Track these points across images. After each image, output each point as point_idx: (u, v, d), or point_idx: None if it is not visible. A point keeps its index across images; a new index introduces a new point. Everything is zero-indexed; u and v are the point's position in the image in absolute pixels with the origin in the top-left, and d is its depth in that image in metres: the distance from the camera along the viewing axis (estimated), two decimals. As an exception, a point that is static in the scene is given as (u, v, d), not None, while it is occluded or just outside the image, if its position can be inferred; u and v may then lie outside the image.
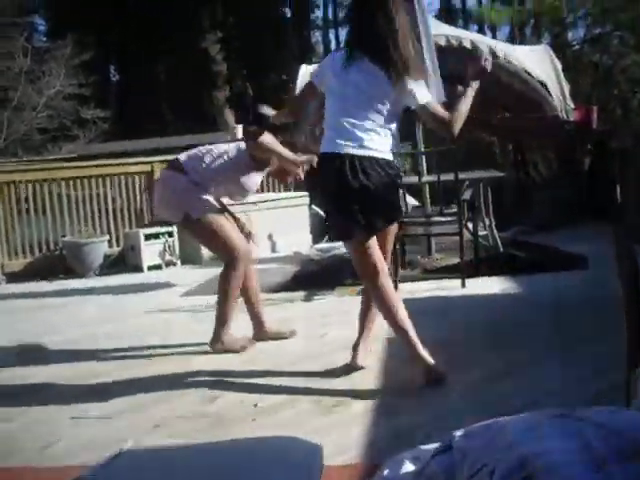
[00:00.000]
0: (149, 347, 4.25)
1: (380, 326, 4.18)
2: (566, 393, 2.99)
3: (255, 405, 3.12)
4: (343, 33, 29.88)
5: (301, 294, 5.47)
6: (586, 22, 22.45)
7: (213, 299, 5.45)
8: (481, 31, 21.30)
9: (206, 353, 3.99)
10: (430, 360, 3.26)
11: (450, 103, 3.39)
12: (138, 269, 7.41)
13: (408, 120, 7.80)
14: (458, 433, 1.45)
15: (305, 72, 9.08)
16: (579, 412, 1.32)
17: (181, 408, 3.16)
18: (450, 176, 5.29)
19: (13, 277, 7.34)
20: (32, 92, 19.08)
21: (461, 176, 5.36)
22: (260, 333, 4.21)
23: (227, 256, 3.98)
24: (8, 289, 6.96)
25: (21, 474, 2.61)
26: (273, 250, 7.97)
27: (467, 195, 5.78)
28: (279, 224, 7.96)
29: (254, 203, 7.86)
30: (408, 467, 1.64)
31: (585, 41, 22.79)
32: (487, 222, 6.42)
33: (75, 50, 19.27)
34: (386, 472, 1.67)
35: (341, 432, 2.75)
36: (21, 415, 3.25)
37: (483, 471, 1.26)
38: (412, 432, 2.71)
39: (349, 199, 3.17)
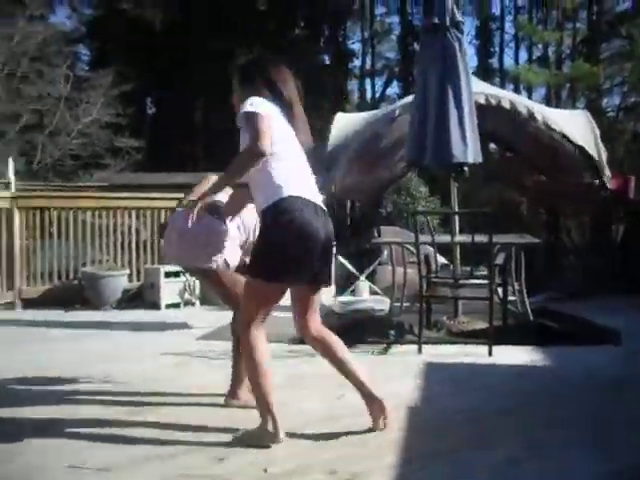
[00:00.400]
0: (159, 394, 4.07)
1: (398, 394, 4.01)
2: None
3: (265, 470, 2.92)
4: (380, 82, 30.19)
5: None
6: (622, 89, 22.48)
7: (228, 345, 5.32)
8: (517, 91, 21.30)
9: (218, 406, 3.80)
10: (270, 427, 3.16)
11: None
12: (156, 306, 7.28)
13: (443, 178, 7.73)
14: None
15: (340, 121, 9.04)
16: None
17: (186, 466, 2.97)
18: (483, 238, 5.12)
19: (29, 303, 7.24)
20: (69, 119, 19.30)
21: (496, 239, 5.18)
22: (233, 394, 3.85)
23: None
24: (23, 315, 6.85)
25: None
26: (294, 298, 7.78)
27: (500, 259, 5.60)
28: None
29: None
30: None
31: (620, 109, 22.78)
32: (517, 287, 6.21)
33: (115, 80, 19.51)
34: None
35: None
36: (15, 458, 3.07)
37: None
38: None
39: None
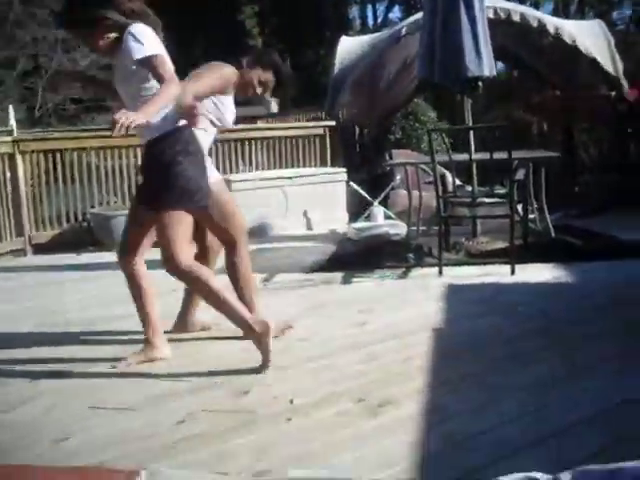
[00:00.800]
0: (173, 331, 3.97)
1: (421, 317, 3.92)
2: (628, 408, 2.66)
3: (291, 401, 2.82)
4: (381, 9, 29.40)
5: (338, 276, 5.15)
6: (632, 1, 21.76)
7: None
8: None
9: (239, 339, 3.70)
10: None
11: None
12: (169, 244, 7.14)
13: (452, 97, 7.48)
14: (564, 478, 1.13)
15: (345, 43, 8.74)
16: None
17: (209, 401, 2.88)
18: (502, 154, 4.93)
19: (40, 249, 7.12)
20: (67, 62, 18.91)
21: (515, 155, 4.99)
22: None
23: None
24: (35, 261, 6.75)
25: (26, 474, 2.34)
26: (308, 227, 7.67)
27: (519, 175, 5.41)
28: (315, 200, 7.63)
29: (289, 178, 7.56)
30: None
31: (632, 21, 22.09)
32: (536, 205, 6.04)
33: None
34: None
35: (388, 439, 2.44)
36: (34, 401, 2.99)
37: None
38: (467, 441, 2.40)
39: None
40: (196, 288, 3.38)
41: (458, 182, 6.86)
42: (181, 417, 2.72)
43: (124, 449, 2.47)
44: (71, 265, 6.29)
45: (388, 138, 10.02)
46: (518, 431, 2.47)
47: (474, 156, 5.39)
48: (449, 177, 6.59)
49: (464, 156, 5.50)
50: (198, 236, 3.68)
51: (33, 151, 7.23)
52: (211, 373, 3.21)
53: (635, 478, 1.01)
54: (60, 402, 2.97)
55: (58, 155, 7.38)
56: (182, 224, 3.20)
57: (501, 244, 5.52)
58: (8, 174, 7.03)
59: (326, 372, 3.15)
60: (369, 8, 29.48)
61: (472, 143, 5.50)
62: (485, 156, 5.24)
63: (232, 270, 3.78)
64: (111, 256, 6.61)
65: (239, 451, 2.39)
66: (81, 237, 7.28)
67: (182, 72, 3.26)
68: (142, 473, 1.19)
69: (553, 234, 5.79)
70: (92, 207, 7.51)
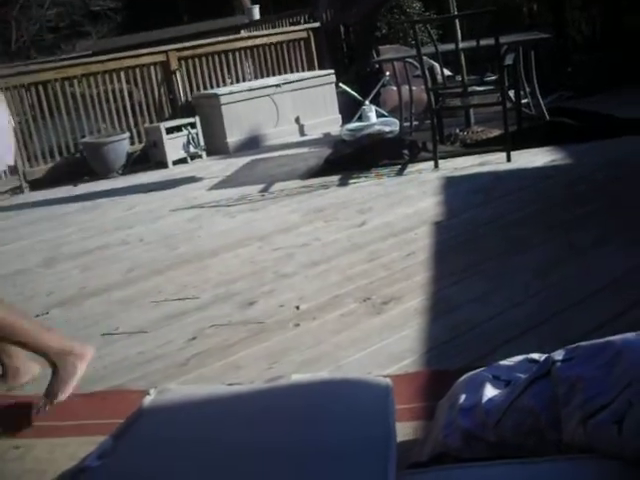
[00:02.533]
0: (178, 250, 3.99)
1: (420, 212, 3.92)
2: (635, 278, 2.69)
3: (297, 308, 2.86)
4: None
5: (335, 179, 5.14)
6: None
7: (240, 191, 5.23)
8: None
9: (240, 255, 3.72)
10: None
11: None
12: (163, 165, 7.10)
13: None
14: (557, 356, 1.15)
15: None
16: None
17: (217, 316, 2.92)
18: (489, 41, 4.81)
19: (36, 184, 7.08)
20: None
21: (502, 40, 4.87)
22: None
23: None
24: (33, 197, 6.73)
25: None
26: (301, 133, 7.60)
27: (509, 60, 5.30)
28: (305, 105, 7.54)
29: (277, 85, 7.44)
30: (489, 391, 1.36)
31: None
32: (529, 89, 5.94)
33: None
34: (462, 398, 1.39)
35: (394, 334, 2.49)
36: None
37: (603, 414, 0.96)
38: (473, 329, 2.44)
39: None
40: None
41: (448, 73, 6.72)
42: (191, 335, 2.76)
43: (138, 371, 2.52)
44: (69, 197, 6.29)
45: (374, 35, 9.78)
46: (523, 314, 2.51)
47: (461, 44, 5.27)
48: (438, 69, 6.47)
49: (451, 46, 5.38)
50: None
51: (15, 86, 7.10)
52: (216, 289, 3.24)
53: (621, 350, 1.03)
54: (73, 333, 3.01)
55: (41, 88, 7.25)
56: None
57: (496, 132, 5.47)
58: (-7, 112, 6.92)
59: (329, 275, 3.18)
60: None
61: (458, 31, 5.37)
62: (472, 44, 5.12)
63: None
64: (107, 184, 6.66)
65: (250, 361, 2.45)
66: (75, 168, 7.22)
67: None
68: (151, 391, 1.21)
69: (548, 117, 5.72)
70: (83, 137, 7.42)
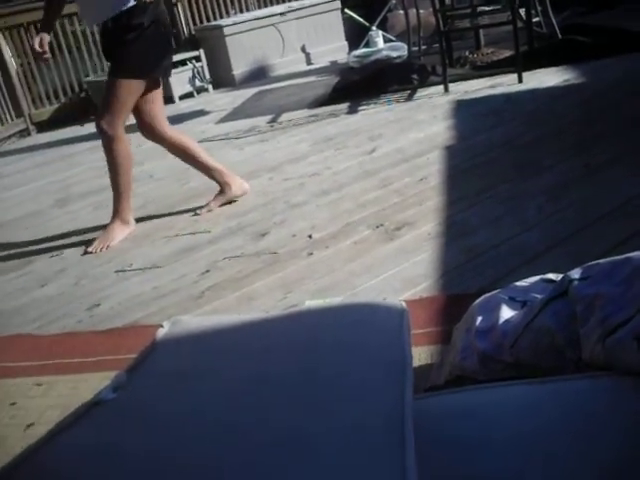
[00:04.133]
0: (187, 184, 3.97)
1: (431, 137, 3.86)
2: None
3: (310, 237, 2.85)
4: None
5: (344, 106, 5.06)
6: None
7: (249, 123, 5.16)
8: None
9: (250, 184, 3.69)
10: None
11: None
12: (169, 100, 6.99)
13: None
14: (574, 275, 1.12)
15: None
16: None
17: (230, 248, 2.91)
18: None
19: (43, 126, 7.04)
20: None
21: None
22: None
23: None
24: (40, 139, 6.70)
25: (67, 340, 2.43)
26: (308, 62, 7.47)
27: (518, -24, 5.13)
28: (311, 34, 7.39)
29: (281, 14, 7.28)
30: (505, 312, 1.35)
31: None
32: (540, 7, 5.77)
33: None
34: (479, 321, 1.38)
35: (408, 259, 2.47)
36: (64, 273, 3.05)
37: (623, 331, 0.94)
38: (487, 252, 2.42)
39: None
40: (116, 166, 3.35)
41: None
42: (205, 268, 2.77)
43: (153, 306, 2.54)
44: (77, 137, 6.24)
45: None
46: (538, 237, 2.49)
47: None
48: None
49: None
50: None
51: (13, 26, 6.98)
52: (228, 222, 3.23)
53: (639, 266, 1.01)
54: (88, 271, 3.03)
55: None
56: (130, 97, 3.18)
57: (507, 52, 5.34)
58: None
59: (341, 203, 3.15)
60: None
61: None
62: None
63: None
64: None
65: (264, 291, 2.45)
66: (81, 107, 7.16)
67: None
68: (164, 323, 1.21)
69: (560, 35, 5.57)
70: (87, 76, 7.33)
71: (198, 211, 3.44)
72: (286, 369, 0.84)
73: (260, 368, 0.87)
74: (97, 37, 7.26)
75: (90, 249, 3.23)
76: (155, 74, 3.21)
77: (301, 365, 0.84)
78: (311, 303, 1.63)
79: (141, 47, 3.07)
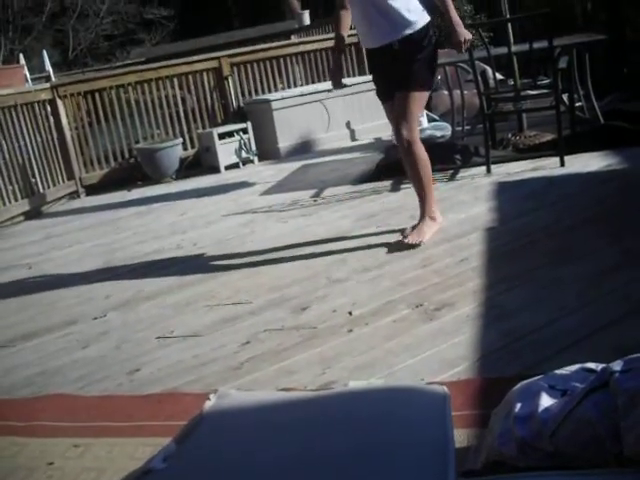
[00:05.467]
0: (231, 255, 4.04)
1: (472, 219, 3.89)
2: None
3: (350, 313, 2.88)
4: None
5: (387, 184, 5.14)
6: None
7: (292, 196, 5.26)
8: None
9: (293, 258, 3.76)
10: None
11: None
12: (215, 170, 7.20)
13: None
14: (616, 367, 1.14)
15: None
16: None
17: (271, 321, 2.95)
18: (542, 43, 4.76)
19: (91, 189, 7.26)
20: (93, -1, 18.77)
21: (556, 42, 4.81)
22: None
23: None
24: (89, 202, 6.89)
25: (106, 402, 2.46)
26: (352, 139, 7.62)
27: (562, 63, 5.23)
28: (356, 110, 7.56)
29: (328, 90, 7.46)
30: (545, 400, 1.36)
31: None
32: (583, 92, 5.85)
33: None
34: (518, 407, 1.39)
35: (447, 340, 2.48)
36: (106, 336, 3.12)
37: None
38: (526, 337, 2.42)
39: None
40: (418, 166, 3.66)
41: (500, 77, 6.68)
42: (245, 339, 2.80)
43: (193, 374, 2.57)
44: (123, 202, 6.42)
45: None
46: (577, 323, 2.48)
47: (513, 48, 5.22)
48: (490, 72, 6.42)
49: (503, 49, 5.33)
50: None
51: (72, 94, 7.28)
52: (270, 294, 3.28)
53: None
54: (129, 335, 3.09)
55: (97, 95, 7.42)
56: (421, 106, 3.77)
57: (549, 136, 5.40)
58: (52, 120, 7.11)
59: (382, 281, 3.18)
60: None
61: (510, 35, 5.33)
62: (524, 47, 5.07)
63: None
64: (160, 189, 6.78)
65: (303, 366, 2.47)
66: (130, 173, 7.39)
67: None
68: (211, 396, 1.24)
69: (602, 120, 5.63)
70: (137, 142, 7.57)
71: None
72: (333, 447, 0.87)
73: (307, 445, 0.90)
74: (149, 106, 7.55)
75: (406, 241, 3.59)
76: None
77: (346, 446, 0.86)
78: (355, 384, 1.65)
79: (428, 64, 3.60)
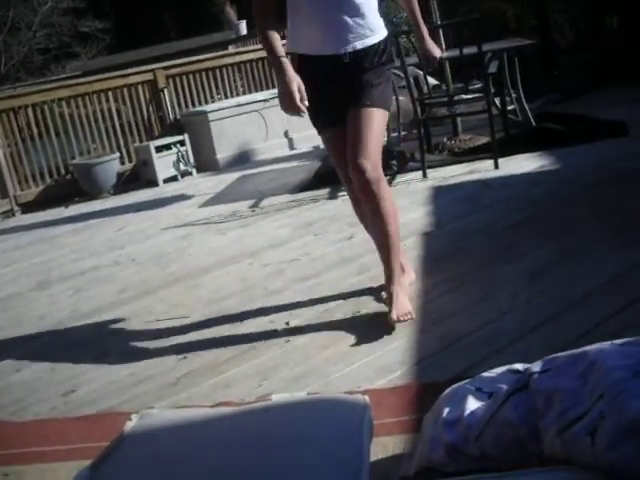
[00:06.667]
0: (168, 270, 3.99)
1: (409, 224, 3.91)
2: (628, 278, 2.70)
3: (287, 324, 2.87)
4: None
5: (325, 192, 5.15)
6: None
7: (231, 207, 5.23)
8: None
9: (231, 271, 3.73)
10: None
11: None
12: (153, 183, 7.12)
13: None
14: (535, 368, 1.16)
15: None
16: None
17: (207, 335, 2.92)
18: (473, 49, 4.84)
19: (27, 207, 7.09)
20: (26, 11, 18.40)
21: (486, 47, 4.90)
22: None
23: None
24: (24, 220, 6.74)
25: (39, 427, 2.40)
26: (291, 147, 7.62)
27: (493, 68, 5.32)
28: (294, 119, 7.51)
29: (265, 100, 7.46)
30: (472, 404, 1.36)
31: None
32: (515, 95, 5.96)
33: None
34: (446, 412, 1.40)
35: (384, 347, 2.49)
36: (41, 358, 3.04)
37: (578, 426, 0.97)
38: (462, 339, 2.44)
39: None
40: (387, 215, 2.70)
41: (435, 82, 6.76)
42: (182, 354, 2.76)
43: (129, 393, 2.52)
44: (60, 219, 6.29)
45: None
46: (512, 323, 2.51)
47: (445, 54, 5.29)
48: (422, 78, 6.49)
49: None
50: None
51: (4, 110, 7.12)
52: (207, 308, 3.24)
53: (595, 360, 1.04)
54: (65, 356, 3.01)
55: (30, 110, 7.26)
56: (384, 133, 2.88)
57: (483, 139, 5.49)
58: (-18, 137, 6.94)
59: (319, 290, 3.18)
60: None
61: (442, 41, 5.41)
62: (455, 52, 5.15)
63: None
64: (98, 204, 6.67)
65: (240, 379, 2.45)
66: (66, 190, 7.24)
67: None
68: (133, 416, 1.22)
69: (534, 123, 5.74)
70: (73, 158, 7.44)
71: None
72: (243, 463, 0.85)
73: (219, 461, 0.89)
74: (84, 120, 7.43)
75: (396, 322, 2.61)
76: None
77: (258, 461, 0.85)
78: (277, 397, 1.64)
79: (390, 80, 2.83)
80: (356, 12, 2.64)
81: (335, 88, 2.72)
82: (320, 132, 2.93)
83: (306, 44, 2.72)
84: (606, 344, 1.12)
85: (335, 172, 2.94)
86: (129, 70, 7.94)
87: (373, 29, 2.69)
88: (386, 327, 2.61)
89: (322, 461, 0.84)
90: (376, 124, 2.68)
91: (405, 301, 2.69)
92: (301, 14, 2.67)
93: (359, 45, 2.67)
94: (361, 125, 2.65)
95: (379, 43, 2.71)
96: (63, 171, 7.43)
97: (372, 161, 2.62)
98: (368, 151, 2.62)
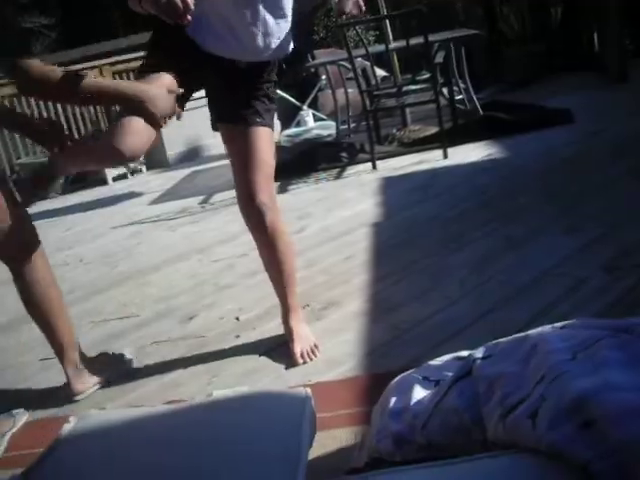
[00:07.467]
0: (117, 269, 3.93)
1: (359, 214, 3.91)
2: (576, 261, 2.73)
3: (237, 319, 2.84)
4: None
5: (274, 185, 5.10)
6: None
7: (181, 204, 5.17)
8: None
9: (180, 268, 3.68)
10: None
11: None
12: (103, 182, 6.99)
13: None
14: (478, 354, 1.15)
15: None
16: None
17: (157, 333, 2.87)
18: (419, 39, 4.85)
19: (-29, 208, 6.90)
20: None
21: (432, 38, 4.92)
22: None
23: None
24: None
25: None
26: (242, 143, 7.55)
27: (440, 58, 5.35)
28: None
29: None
30: (418, 393, 1.35)
31: None
32: (463, 85, 6.01)
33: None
34: (392, 402, 1.38)
35: (334, 339, 2.48)
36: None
37: (519, 409, 0.96)
38: (412, 329, 2.44)
39: None
40: (283, 249, 2.51)
41: (384, 74, 6.77)
42: (132, 354, 2.71)
43: (78, 395, 2.46)
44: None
45: (312, 39, 9.80)
46: (461, 311, 2.52)
47: (392, 45, 5.30)
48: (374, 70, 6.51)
49: (382, 47, 5.41)
50: None
51: (-57, 109, 6.92)
52: (157, 305, 3.19)
53: (536, 343, 1.04)
54: (11, 360, 2.94)
55: (-29, 109, 7.08)
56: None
57: (432, 129, 5.51)
58: None
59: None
60: None
61: (389, 32, 5.42)
62: (402, 44, 5.15)
63: None
64: (45, 204, 6.53)
65: (190, 377, 2.41)
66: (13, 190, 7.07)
67: None
68: (71, 418, 1.18)
69: (481, 112, 5.79)
70: (19, 158, 7.28)
71: None
72: (181, 462, 0.83)
73: (156, 461, 0.86)
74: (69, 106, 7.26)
75: (301, 359, 2.36)
76: None
77: (196, 460, 0.83)
78: (218, 393, 1.62)
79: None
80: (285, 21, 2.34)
81: (229, 91, 2.44)
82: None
83: (218, 41, 2.30)
84: (547, 327, 1.12)
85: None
86: (73, 67, 7.78)
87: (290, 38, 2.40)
88: (288, 359, 2.39)
89: (260, 456, 0.82)
90: (266, 146, 2.40)
91: (307, 333, 2.47)
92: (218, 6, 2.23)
93: (281, 54, 2.42)
94: (250, 150, 2.35)
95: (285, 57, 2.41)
96: (9, 171, 7.26)
97: (267, 190, 2.36)
98: (261, 178, 2.34)
